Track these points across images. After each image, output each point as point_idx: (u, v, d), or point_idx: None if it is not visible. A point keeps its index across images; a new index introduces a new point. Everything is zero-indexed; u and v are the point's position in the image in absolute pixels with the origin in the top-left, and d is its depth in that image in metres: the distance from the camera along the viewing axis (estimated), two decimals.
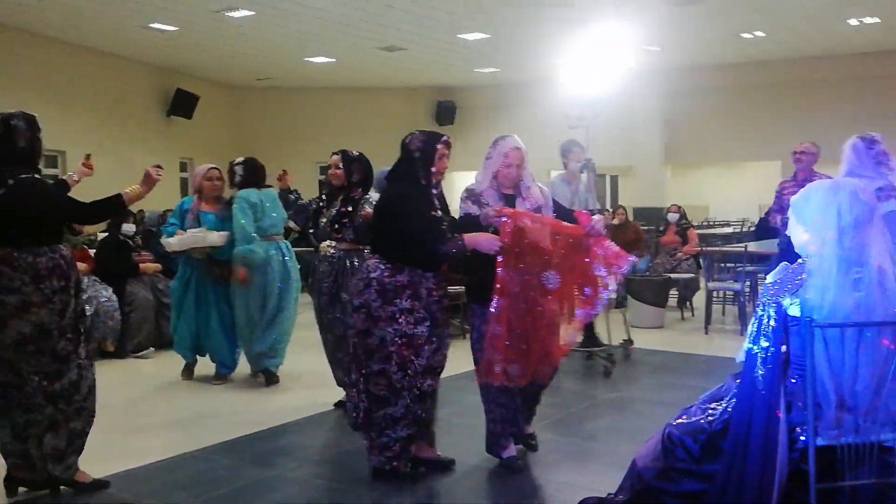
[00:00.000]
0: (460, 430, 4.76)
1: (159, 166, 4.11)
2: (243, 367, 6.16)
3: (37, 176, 3.76)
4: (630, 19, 12.02)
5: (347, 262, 5.05)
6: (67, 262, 3.75)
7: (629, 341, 6.75)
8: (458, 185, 18.61)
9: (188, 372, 6.27)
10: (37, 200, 3.68)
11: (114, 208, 3.94)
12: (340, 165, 5.11)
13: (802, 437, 2.89)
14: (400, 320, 3.82)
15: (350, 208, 5.08)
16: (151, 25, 12.37)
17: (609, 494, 3.32)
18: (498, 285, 3.74)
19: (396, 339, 3.82)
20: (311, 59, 14.96)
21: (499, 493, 3.94)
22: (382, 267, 3.86)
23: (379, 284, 3.83)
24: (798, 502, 2.87)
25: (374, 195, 5.15)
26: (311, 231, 6.54)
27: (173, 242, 5.96)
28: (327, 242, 5.18)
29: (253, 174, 5.99)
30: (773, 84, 14.82)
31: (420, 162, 3.87)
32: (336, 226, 5.09)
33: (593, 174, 6.48)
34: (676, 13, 11.68)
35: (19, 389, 3.69)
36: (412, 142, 3.92)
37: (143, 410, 5.40)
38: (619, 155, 14.96)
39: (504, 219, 3.75)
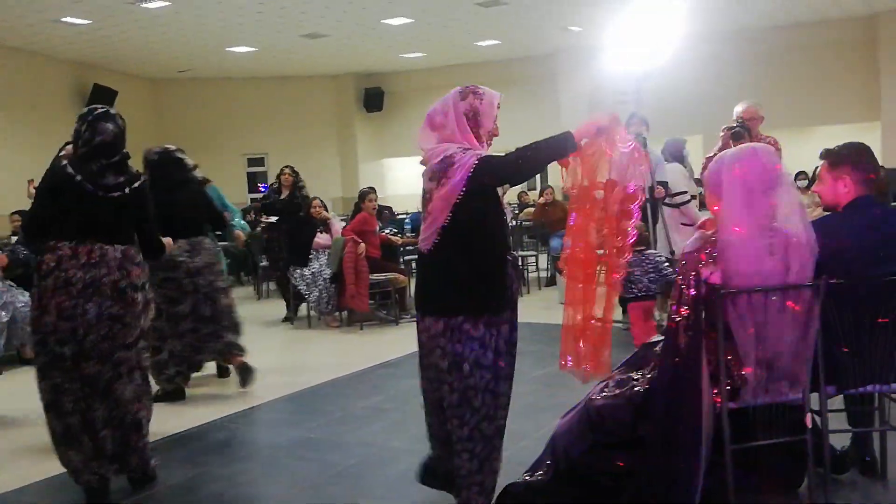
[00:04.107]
0: (389, 416, 4.85)
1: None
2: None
3: None
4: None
5: None
6: None
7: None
8: (391, 171, 18.51)
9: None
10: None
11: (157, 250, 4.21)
12: None
13: (717, 402, 2.96)
14: None
15: None
16: (63, 20, 11.95)
17: (525, 475, 3.30)
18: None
19: None
20: (232, 49, 14.65)
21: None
22: None
23: None
24: (714, 463, 2.94)
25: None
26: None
27: None
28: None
29: None
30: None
31: None
32: None
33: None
34: None
35: None
36: None
37: None
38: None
39: None
